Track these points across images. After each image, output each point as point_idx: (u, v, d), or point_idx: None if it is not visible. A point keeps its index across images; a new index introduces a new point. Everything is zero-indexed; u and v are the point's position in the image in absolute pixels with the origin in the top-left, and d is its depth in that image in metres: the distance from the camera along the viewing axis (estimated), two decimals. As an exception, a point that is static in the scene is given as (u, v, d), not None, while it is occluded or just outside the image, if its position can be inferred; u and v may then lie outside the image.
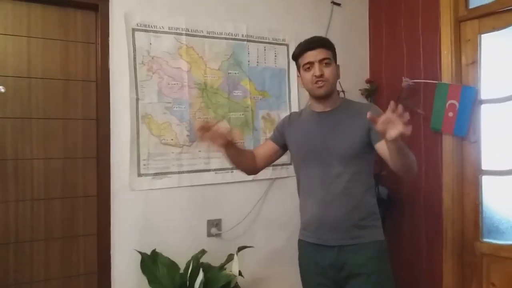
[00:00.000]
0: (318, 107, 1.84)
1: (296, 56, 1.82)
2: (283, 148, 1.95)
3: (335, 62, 1.80)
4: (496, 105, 2.25)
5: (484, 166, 2.26)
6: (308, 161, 1.81)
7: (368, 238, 1.73)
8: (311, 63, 1.75)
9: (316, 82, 1.74)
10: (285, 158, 2.51)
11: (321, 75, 1.73)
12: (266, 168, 2.42)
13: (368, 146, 1.73)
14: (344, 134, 1.74)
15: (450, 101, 2.30)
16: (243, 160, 1.88)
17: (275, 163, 2.44)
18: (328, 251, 1.75)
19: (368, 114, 1.36)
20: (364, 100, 2.77)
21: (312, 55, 1.75)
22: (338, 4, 2.75)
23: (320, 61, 1.73)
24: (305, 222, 1.87)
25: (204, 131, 1.63)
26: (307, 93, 2.57)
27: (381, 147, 1.65)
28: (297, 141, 1.87)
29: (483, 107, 2.27)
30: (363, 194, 1.76)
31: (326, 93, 1.76)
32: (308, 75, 1.76)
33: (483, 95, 2.27)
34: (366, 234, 1.74)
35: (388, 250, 1.79)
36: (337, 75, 1.79)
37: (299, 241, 1.91)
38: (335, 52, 1.81)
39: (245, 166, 1.92)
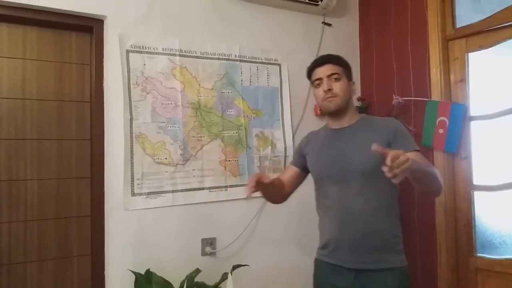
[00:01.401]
0: (335, 124, 1.83)
1: (308, 75, 1.84)
2: (305, 170, 1.93)
3: (348, 78, 1.79)
4: (485, 121, 2.28)
5: (475, 181, 2.28)
6: (325, 179, 1.78)
7: (389, 263, 1.66)
8: (320, 79, 1.76)
9: (326, 98, 1.75)
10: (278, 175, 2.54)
11: (329, 90, 1.73)
12: (260, 186, 2.47)
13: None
14: (362, 149, 1.67)
15: (440, 118, 2.33)
16: (275, 193, 1.87)
17: (269, 180, 2.49)
18: (346, 274, 1.69)
19: (373, 147, 1.34)
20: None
21: (320, 72, 1.77)
22: (329, 25, 2.80)
23: (329, 76, 1.74)
24: (323, 242, 1.81)
25: (258, 187, 1.60)
26: (300, 112, 2.68)
27: None
28: (315, 159, 1.85)
29: (473, 123, 2.31)
30: (387, 215, 1.69)
31: (336, 108, 1.75)
32: (318, 92, 1.78)
33: (473, 112, 2.31)
34: (387, 259, 1.66)
35: (410, 277, 1.71)
36: (348, 91, 1.77)
37: (316, 260, 1.86)
38: (347, 69, 1.80)
39: (277, 197, 1.93)
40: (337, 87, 1.74)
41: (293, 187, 1.96)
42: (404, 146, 1.59)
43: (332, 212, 1.76)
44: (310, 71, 1.82)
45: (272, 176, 2.17)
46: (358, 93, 1.83)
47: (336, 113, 1.79)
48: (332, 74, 1.74)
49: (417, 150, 1.67)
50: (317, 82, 1.78)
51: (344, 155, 1.72)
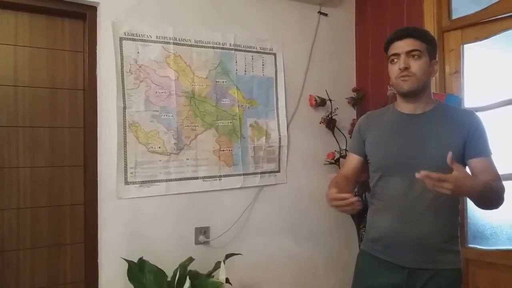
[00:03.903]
0: (406, 108, 1.64)
1: (385, 48, 1.64)
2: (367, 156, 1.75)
3: (431, 57, 1.58)
4: (480, 113, 2.27)
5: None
6: (389, 170, 1.62)
7: (447, 264, 1.56)
8: (397, 55, 1.57)
9: (400, 76, 1.55)
10: (272, 165, 2.55)
11: (406, 68, 1.54)
12: (254, 175, 2.48)
13: (462, 159, 1.53)
14: (438, 142, 1.53)
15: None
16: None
17: (263, 170, 2.50)
18: (398, 271, 1.58)
19: (448, 159, 1.26)
20: (351, 109, 2.80)
21: (399, 46, 1.56)
22: (325, 14, 2.79)
23: (408, 53, 1.54)
24: (375, 235, 1.67)
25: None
26: (295, 102, 2.67)
27: (473, 164, 1.53)
28: (378, 146, 1.68)
29: (467, 115, 2.31)
30: (449, 214, 1.58)
31: (410, 89, 1.56)
32: (393, 68, 1.58)
33: (467, 103, 2.31)
34: (445, 260, 1.56)
35: (463, 279, 1.63)
36: (428, 72, 1.57)
37: (363, 252, 1.74)
38: (431, 45, 1.59)
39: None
40: (416, 66, 1.54)
41: (359, 178, 1.82)
42: (477, 149, 1.53)
43: (392, 206, 1.61)
44: (388, 44, 1.62)
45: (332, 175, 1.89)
46: (435, 72, 1.63)
47: (410, 95, 1.60)
48: (412, 50, 1.54)
49: (491, 157, 1.56)
50: (394, 57, 1.58)
51: (416, 145, 1.56)
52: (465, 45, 2.32)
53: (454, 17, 2.38)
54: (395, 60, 1.58)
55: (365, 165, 1.77)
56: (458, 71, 2.33)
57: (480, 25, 2.24)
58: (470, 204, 2.29)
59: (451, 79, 2.36)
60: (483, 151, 1.54)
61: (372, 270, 1.67)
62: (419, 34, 1.58)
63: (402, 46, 1.56)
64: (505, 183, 1.52)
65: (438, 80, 2.36)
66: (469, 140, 1.53)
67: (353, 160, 1.78)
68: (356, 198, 1.42)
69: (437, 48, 1.66)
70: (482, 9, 2.22)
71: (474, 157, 1.53)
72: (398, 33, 1.59)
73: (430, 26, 2.39)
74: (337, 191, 1.46)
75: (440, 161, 1.40)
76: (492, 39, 2.21)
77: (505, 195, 1.51)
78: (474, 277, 2.27)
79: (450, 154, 1.27)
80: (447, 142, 1.53)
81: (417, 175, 1.27)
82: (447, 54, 2.38)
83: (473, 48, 2.30)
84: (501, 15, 2.14)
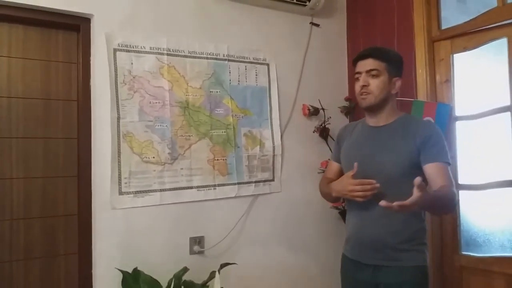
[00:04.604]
0: (371, 121, 1.81)
1: (354, 66, 1.80)
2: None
3: (392, 74, 1.72)
4: (470, 121, 2.32)
5: (460, 181, 2.31)
6: (354, 177, 1.72)
7: (408, 262, 1.68)
8: (359, 73, 1.74)
9: (361, 94, 1.72)
10: (267, 174, 2.56)
11: (364, 86, 1.70)
12: (248, 184, 2.49)
13: (418, 166, 1.66)
14: (392, 151, 1.69)
15: (426, 118, 2.36)
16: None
17: (257, 179, 2.51)
18: (365, 268, 1.74)
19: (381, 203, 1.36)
20: (343, 118, 2.83)
21: (361, 65, 1.74)
22: (317, 25, 2.82)
23: (367, 72, 1.70)
24: (347, 237, 1.88)
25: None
26: (288, 111, 2.70)
27: (428, 170, 1.64)
28: (347, 154, 1.85)
29: (458, 123, 2.35)
30: (406, 218, 1.66)
31: (368, 106, 1.73)
32: (356, 85, 1.76)
33: (458, 112, 2.34)
34: (406, 258, 1.68)
35: (428, 276, 1.73)
36: (386, 89, 1.71)
37: (342, 254, 1.92)
38: (392, 64, 1.73)
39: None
40: (374, 84, 1.70)
41: None
42: (430, 155, 1.64)
43: (355, 209, 1.80)
44: (354, 63, 1.79)
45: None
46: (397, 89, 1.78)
47: (370, 110, 1.77)
48: (372, 69, 1.70)
49: (446, 162, 1.66)
50: (357, 75, 1.75)
51: (374, 156, 1.72)
52: (455, 55, 2.35)
53: (443, 27, 2.42)
54: (358, 78, 1.75)
55: (342, 172, 1.92)
56: (448, 80, 2.37)
57: (469, 35, 2.28)
58: (463, 212, 2.32)
59: (442, 88, 2.39)
60: (437, 157, 1.65)
61: (348, 269, 1.86)
62: (379, 54, 1.73)
63: (363, 65, 1.73)
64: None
65: (429, 89, 2.40)
66: (423, 148, 1.65)
67: (333, 167, 1.99)
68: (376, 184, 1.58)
69: (401, 65, 1.78)
70: (471, 20, 2.25)
71: (428, 162, 1.64)
72: (361, 53, 1.76)
73: (420, 36, 2.43)
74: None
75: (392, 168, 1.64)
76: (481, 49, 2.25)
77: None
78: (467, 284, 2.28)
79: (418, 179, 1.34)
80: (400, 150, 1.68)
81: (381, 203, 1.37)
82: (437, 63, 2.41)
83: (463, 57, 2.33)
84: (490, 25, 2.18)
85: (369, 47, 1.81)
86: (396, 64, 1.75)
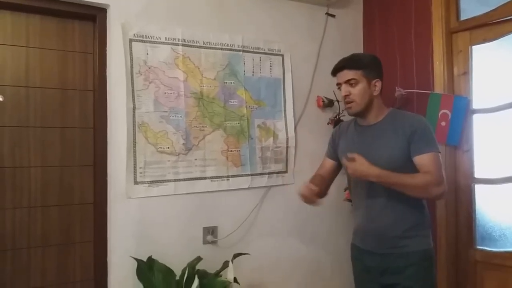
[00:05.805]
0: (361, 121, 1.91)
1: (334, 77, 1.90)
2: (339, 160, 1.98)
3: (369, 78, 1.80)
4: (488, 114, 2.28)
5: (477, 175, 2.29)
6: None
7: (413, 246, 1.78)
8: (339, 84, 1.85)
9: (345, 103, 1.84)
10: (280, 166, 2.56)
11: (346, 96, 1.81)
12: (261, 176, 2.49)
13: (410, 159, 1.75)
14: (384, 146, 1.79)
15: (442, 111, 2.33)
16: (324, 191, 1.95)
17: (271, 170, 2.51)
18: (374, 256, 1.85)
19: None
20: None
21: (339, 77, 1.85)
22: (333, 16, 2.79)
23: (346, 82, 1.81)
24: (355, 229, 1.98)
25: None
26: (302, 102, 2.68)
27: (416, 161, 1.73)
28: (344, 153, 1.88)
29: (475, 116, 2.31)
30: (407, 208, 1.79)
31: (354, 113, 1.85)
32: (341, 95, 1.87)
33: (475, 105, 2.31)
34: (410, 243, 1.78)
35: (433, 258, 1.85)
36: (367, 93, 1.80)
37: (351, 244, 2.02)
38: (367, 69, 1.80)
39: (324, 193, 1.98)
40: (354, 92, 1.80)
41: (331, 179, 2.06)
42: (417, 147, 1.73)
43: (360, 204, 1.92)
44: (333, 75, 1.89)
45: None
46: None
47: (357, 115, 1.88)
48: (349, 80, 1.80)
49: (434, 152, 1.73)
50: (338, 86, 1.87)
51: (368, 151, 1.78)
52: (473, 47, 2.31)
53: (462, 18, 2.37)
54: (340, 88, 1.85)
55: (337, 168, 2.05)
56: (466, 73, 2.33)
57: (489, 26, 2.23)
58: (478, 206, 2.29)
59: (459, 80, 2.36)
60: (424, 148, 1.73)
61: (358, 256, 1.96)
62: (353, 63, 1.81)
63: (340, 76, 1.84)
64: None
65: (446, 81, 2.36)
66: (411, 140, 1.74)
67: (326, 164, 2.07)
68: (315, 188, 1.78)
69: (378, 67, 1.85)
70: (491, 10, 2.21)
71: (416, 154, 1.73)
72: (336, 66, 1.86)
73: (438, 27, 2.39)
74: (310, 184, 1.81)
75: (385, 161, 1.72)
76: (500, 40, 2.20)
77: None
78: (482, 279, 2.26)
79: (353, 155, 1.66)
80: (391, 144, 1.78)
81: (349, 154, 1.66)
82: (456, 55, 2.37)
83: (482, 49, 2.29)
84: (510, 16, 2.13)
85: (343, 57, 1.87)
86: (373, 67, 1.83)
